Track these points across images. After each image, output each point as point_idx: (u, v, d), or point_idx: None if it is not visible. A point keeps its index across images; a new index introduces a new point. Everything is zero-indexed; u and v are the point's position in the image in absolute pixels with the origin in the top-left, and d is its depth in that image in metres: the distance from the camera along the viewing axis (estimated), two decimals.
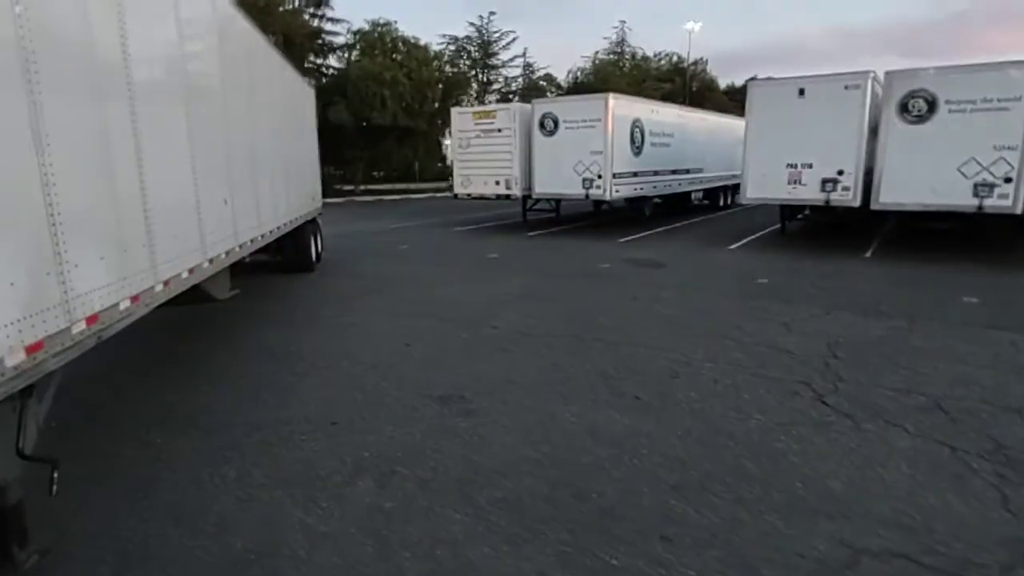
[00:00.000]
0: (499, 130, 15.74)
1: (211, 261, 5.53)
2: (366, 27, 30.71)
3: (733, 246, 13.38)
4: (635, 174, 15.60)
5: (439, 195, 32.43)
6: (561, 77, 43.85)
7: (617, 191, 14.73)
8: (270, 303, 8.64)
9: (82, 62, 3.54)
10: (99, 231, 3.52)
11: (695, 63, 54.24)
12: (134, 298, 3.78)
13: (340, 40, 33.32)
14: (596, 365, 5.70)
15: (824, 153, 11.44)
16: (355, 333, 6.94)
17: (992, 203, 10.11)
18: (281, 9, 28.25)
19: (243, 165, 7.18)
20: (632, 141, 15.30)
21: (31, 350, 2.69)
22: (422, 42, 33.00)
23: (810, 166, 11.61)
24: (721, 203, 22.50)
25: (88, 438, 4.32)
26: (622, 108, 14.74)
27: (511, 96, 39.13)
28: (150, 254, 4.10)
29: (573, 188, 14.84)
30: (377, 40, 29.81)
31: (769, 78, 12.08)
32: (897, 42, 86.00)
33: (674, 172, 17.77)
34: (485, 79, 40.86)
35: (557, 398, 4.92)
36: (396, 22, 31.42)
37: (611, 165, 14.37)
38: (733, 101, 40.78)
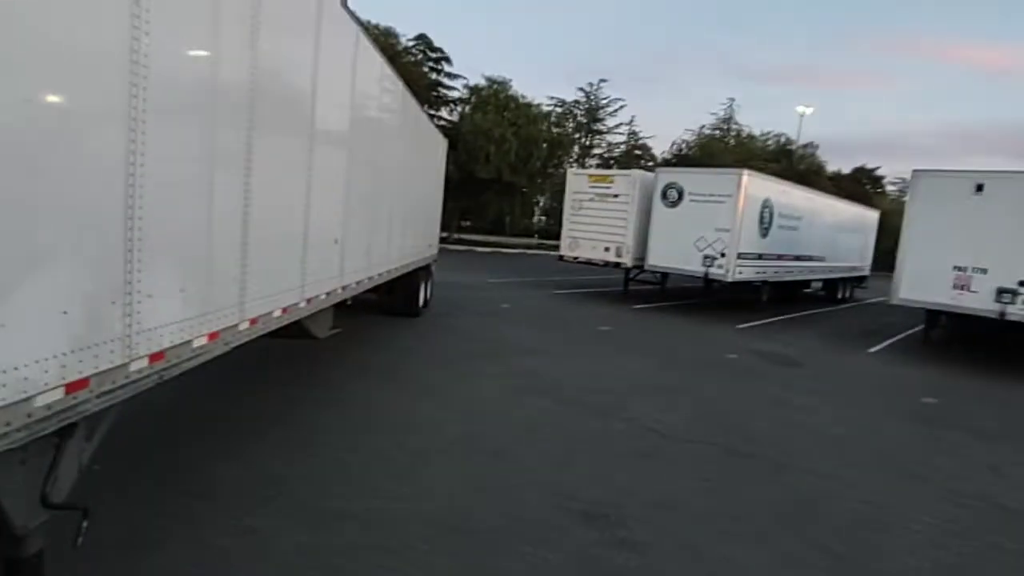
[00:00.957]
0: (616, 195, 15.09)
1: (309, 301, 5.12)
2: (483, 83, 31.56)
3: (872, 349, 11.87)
4: (759, 256, 14.42)
5: (529, 252, 32.16)
6: (663, 147, 43.42)
7: (740, 272, 13.58)
8: (373, 352, 8.10)
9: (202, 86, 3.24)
10: (185, 260, 3.18)
11: (805, 146, 52.66)
12: (212, 335, 3.41)
13: (455, 94, 34.45)
14: (765, 495, 4.63)
15: (1003, 259, 9.93)
16: (471, 407, 6.18)
17: None
18: (403, 60, 29.51)
19: (361, 206, 6.81)
20: (760, 221, 14.20)
21: (73, 388, 2.32)
22: (533, 102, 33.56)
23: (984, 271, 10.10)
24: (839, 295, 20.68)
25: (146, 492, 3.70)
26: (755, 186, 13.74)
27: (612, 162, 38.83)
28: (240, 289, 3.74)
29: (691, 264, 13.83)
30: (492, 96, 30.47)
31: (938, 169, 10.78)
32: (996, 142, 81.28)
33: (797, 258, 16.40)
34: (588, 143, 40.94)
35: (733, 541, 3.89)
36: (511, 80, 32.15)
37: (737, 245, 13.30)
38: (838, 188, 38.59)
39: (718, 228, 13.40)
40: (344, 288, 6.35)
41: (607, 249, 15.35)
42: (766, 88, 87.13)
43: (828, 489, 4.85)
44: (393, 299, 10.70)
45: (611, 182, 15.27)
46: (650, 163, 40.17)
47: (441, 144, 12.80)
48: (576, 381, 7.50)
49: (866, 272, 22.70)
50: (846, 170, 55.72)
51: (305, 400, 5.87)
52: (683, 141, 44.57)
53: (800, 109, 48.62)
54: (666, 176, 14.38)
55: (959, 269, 10.33)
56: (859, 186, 49.56)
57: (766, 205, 14.32)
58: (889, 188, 58.31)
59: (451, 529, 3.70)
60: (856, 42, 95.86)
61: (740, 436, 5.93)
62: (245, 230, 3.74)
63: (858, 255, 21.47)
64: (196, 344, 3.27)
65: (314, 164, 4.96)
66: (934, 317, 12.30)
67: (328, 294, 5.78)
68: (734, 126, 47.53)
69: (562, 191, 37.82)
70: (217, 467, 4.27)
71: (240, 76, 3.63)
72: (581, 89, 40.63)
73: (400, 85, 9.00)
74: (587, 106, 40.61)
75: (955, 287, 10.37)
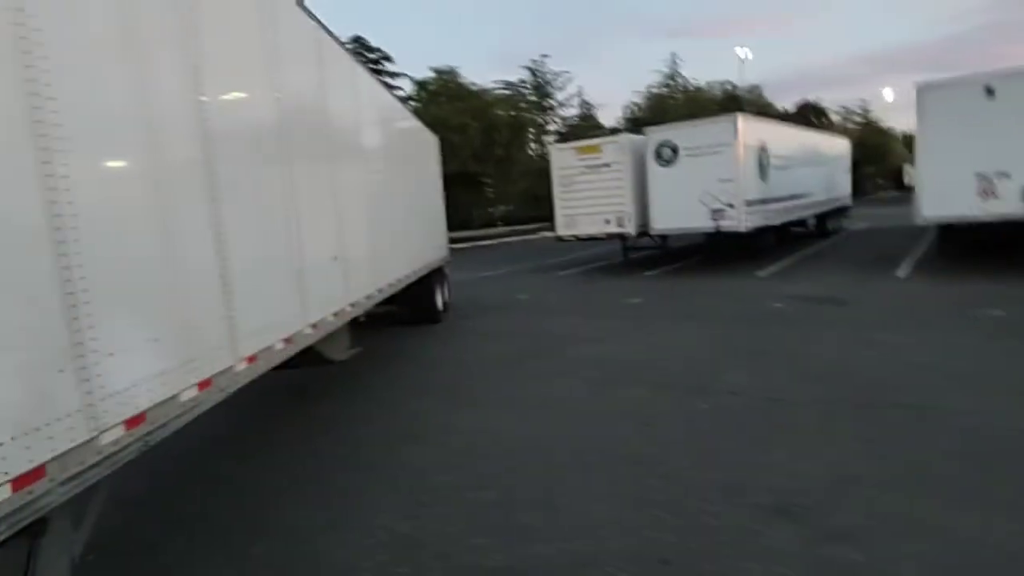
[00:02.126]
0: (607, 164, 14.59)
1: (315, 326, 4.76)
2: (430, 76, 30.54)
3: (900, 274, 11.67)
4: (763, 201, 14.13)
5: (508, 240, 31.56)
6: (614, 115, 43.10)
7: (749, 220, 13.25)
8: (415, 367, 7.46)
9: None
10: (152, 305, 2.77)
11: (750, 89, 53.09)
12: (203, 383, 3.03)
13: (401, 93, 33.31)
14: (942, 447, 4.18)
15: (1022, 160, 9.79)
16: (561, 412, 5.59)
17: None
18: None
19: (358, 216, 6.37)
20: (759, 166, 13.89)
21: (23, 482, 1.96)
22: (484, 87, 32.69)
23: (1007, 176, 9.95)
24: (829, 228, 20.67)
25: None
26: (750, 130, 13.39)
27: (569, 137, 38.29)
28: (229, 327, 3.36)
29: (699, 221, 13.45)
30: (442, 88, 29.53)
31: (944, 79, 10.57)
32: (913, 62, 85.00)
33: (793, 197, 16.21)
34: (542, 121, 40.30)
35: (970, 512, 3.39)
36: (459, 68, 31.23)
37: (744, 193, 12.95)
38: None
39: (721, 179, 13.03)
40: (353, 305, 5.94)
41: (607, 221, 14.87)
42: (692, 42, 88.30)
43: (991, 427, 4.45)
44: (410, 307, 10.19)
45: (600, 151, 14.76)
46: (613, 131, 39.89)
47: (432, 142, 12.12)
48: (647, 361, 7.00)
49: (848, 202, 22.81)
50: (790, 108, 56.59)
51: (375, 439, 5.20)
52: (633, 104, 44.37)
53: (740, 53, 49.01)
54: (657, 135, 13.91)
55: (982, 177, 10.16)
56: (807, 120, 50.24)
57: (762, 148, 14.01)
58: (834, 117, 59.53)
59: (655, 562, 3.13)
60: None
61: (855, 386, 5.52)
62: (223, 260, 3.34)
63: (840, 185, 21.53)
64: (185, 397, 2.88)
65: (297, 180, 4.52)
66: (946, 232, 12.21)
67: (336, 314, 5.36)
68: (679, 80, 47.46)
69: (529, 174, 37.46)
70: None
71: (183, 93, 3.18)
72: (526, 67, 39.78)
73: (379, 86, 8.40)
74: (534, 83, 39.86)
75: (980, 194, 10.20)
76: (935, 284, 10.31)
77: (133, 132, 2.79)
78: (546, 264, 18.64)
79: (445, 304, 11.39)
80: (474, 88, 31.65)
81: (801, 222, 18.07)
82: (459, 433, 5.17)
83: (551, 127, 41.76)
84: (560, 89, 39.88)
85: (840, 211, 21.66)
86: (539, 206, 42.04)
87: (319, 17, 5.54)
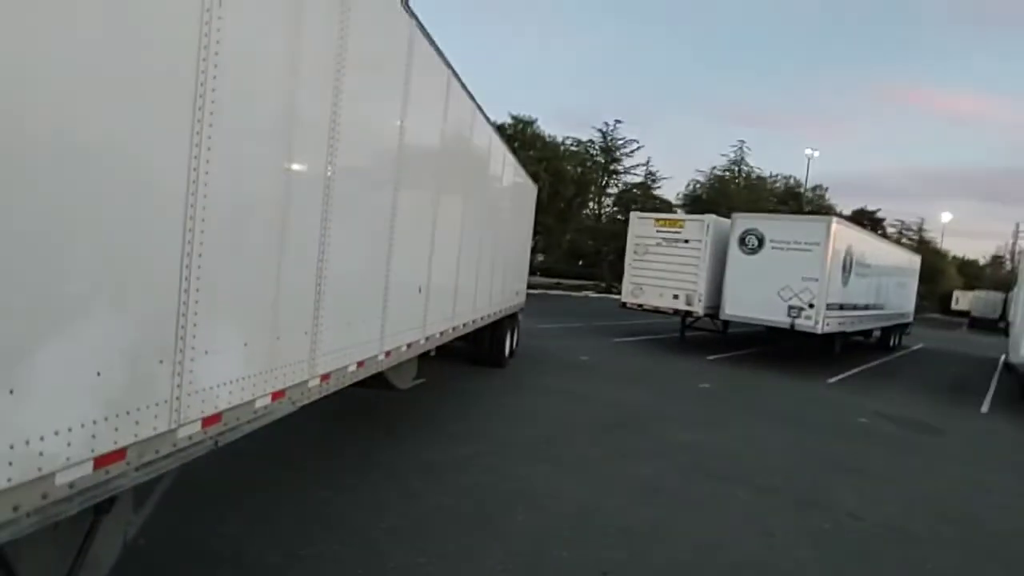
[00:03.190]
0: (686, 241, 14.50)
1: (388, 354, 4.75)
2: (509, 121, 31.22)
3: (983, 409, 11.17)
4: (841, 307, 13.82)
5: (551, 293, 31.45)
6: (674, 189, 43.41)
7: (827, 323, 12.92)
8: (477, 415, 7.20)
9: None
10: (250, 310, 2.85)
11: (814, 188, 53.19)
12: (277, 394, 3.07)
13: None
14: None
15: None
16: (651, 497, 5.30)
17: None
18: None
19: (448, 252, 6.34)
20: (844, 270, 13.65)
21: (105, 462, 2.00)
22: (557, 140, 33.27)
23: None
24: (891, 343, 20.13)
25: None
26: (841, 234, 13.22)
27: (634, 204, 38.53)
28: (311, 343, 3.40)
29: (775, 314, 13.16)
30: (518, 134, 30.12)
31: None
32: (967, 185, 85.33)
33: (867, 307, 15.85)
34: (604, 182, 40.76)
35: None
36: (537, 119, 31.88)
37: (827, 295, 12.68)
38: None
39: (805, 277, 12.79)
40: (427, 339, 5.88)
41: (676, 296, 14.68)
42: (751, 131, 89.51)
43: None
44: (479, 347, 10.15)
45: (681, 226, 14.71)
46: (677, 207, 40.22)
47: (532, 190, 12.20)
48: (733, 457, 6.68)
49: (911, 319, 22.27)
50: (846, 212, 56.39)
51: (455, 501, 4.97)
52: (696, 182, 44.67)
53: (808, 151, 49.29)
54: (744, 222, 13.81)
55: None
56: (861, 227, 49.84)
57: (848, 253, 13.79)
58: (889, 230, 58.91)
59: None
60: (841, 90, 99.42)
61: (988, 533, 5.14)
62: (319, 277, 3.41)
63: (907, 301, 21.06)
64: (259, 404, 2.92)
65: (398, 208, 4.54)
66: None
67: (409, 345, 5.31)
68: (744, 167, 47.78)
69: (585, 230, 37.58)
70: None
71: (322, 112, 3.30)
72: (597, 129, 40.63)
73: (490, 129, 8.49)
74: (603, 145, 40.54)
75: None
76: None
77: (268, 142, 2.90)
78: (599, 326, 18.42)
79: (512, 351, 11.27)
80: (549, 140, 32.23)
81: (867, 332, 17.61)
82: (541, 494, 4.92)
83: (611, 190, 42.25)
84: (629, 156, 40.43)
85: (903, 327, 21.12)
86: (579, 264, 42.18)
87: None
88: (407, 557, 3.79)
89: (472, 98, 7.00)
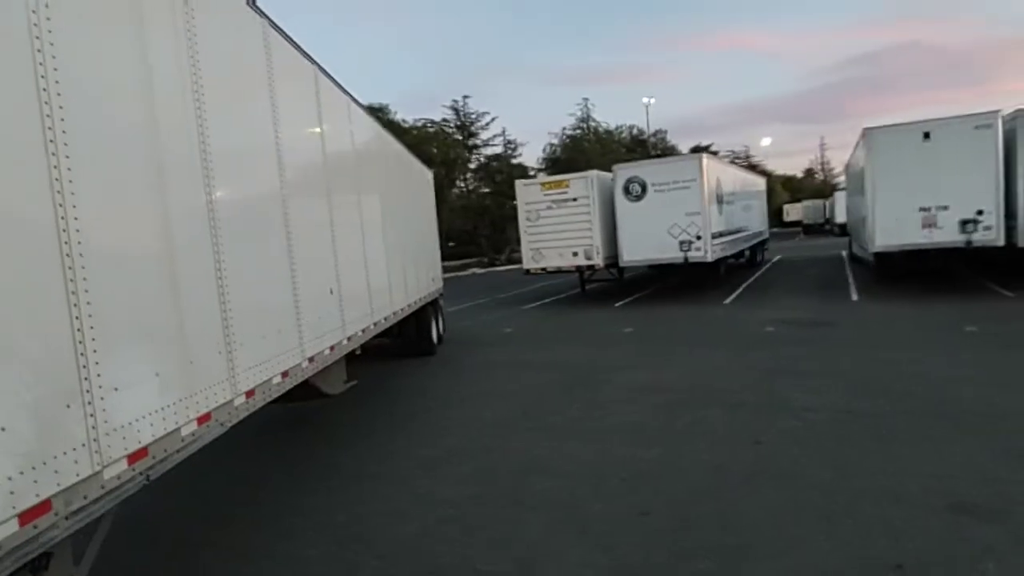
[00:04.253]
0: (574, 199, 15.01)
1: (312, 360, 4.84)
2: None
3: (854, 298, 12.83)
4: (722, 234, 15.10)
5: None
6: (535, 155, 44.53)
7: (714, 251, 14.08)
8: (446, 410, 7.17)
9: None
10: (154, 340, 2.85)
11: (656, 133, 56.92)
12: (203, 418, 3.11)
13: None
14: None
15: (960, 195, 11.20)
16: (646, 436, 5.61)
17: None
18: None
19: (353, 250, 6.44)
20: (718, 201, 14.88)
21: (30, 516, 1.99)
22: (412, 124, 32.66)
23: (946, 208, 11.33)
24: (757, 259, 22.35)
25: None
26: (710, 169, 14.35)
27: (498, 175, 39.07)
28: (228, 362, 3.44)
29: (669, 252, 14.10)
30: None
31: (887, 125, 11.95)
32: (777, 112, 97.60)
33: (739, 231, 17.44)
34: (467, 159, 40.84)
35: None
36: (389, 105, 31.04)
37: (710, 226, 13.78)
38: None
39: (688, 213, 13.81)
40: (349, 339, 6.01)
41: (575, 254, 15.22)
42: (594, 88, 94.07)
43: None
44: (406, 339, 10.18)
45: (567, 186, 15.17)
46: (538, 171, 41.18)
47: (427, 174, 11.98)
48: (698, 385, 7.19)
49: (767, 235, 24.83)
50: (684, 149, 60.95)
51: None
52: (551, 145, 46.01)
53: (644, 100, 52.48)
54: (625, 171, 14.55)
55: (924, 210, 11.49)
56: None
57: (718, 184, 15.04)
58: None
59: None
60: (662, 41, 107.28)
61: (918, 398, 5.98)
62: (222, 296, 3.43)
63: (763, 220, 23.43)
64: (185, 432, 2.94)
65: (290, 214, 4.61)
66: (884, 259, 13.58)
67: (332, 348, 5.41)
68: (592, 123, 49.88)
69: (457, 210, 37.52)
70: None
71: (188, 131, 3.31)
72: (449, 107, 40.44)
73: (371, 120, 8.45)
74: (457, 123, 40.47)
75: (924, 226, 11.52)
76: (891, 306, 11.40)
77: (143, 174, 2.92)
78: (502, 298, 18.67)
79: (440, 336, 11.20)
80: (405, 125, 31.57)
81: (740, 253, 19.41)
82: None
83: (472, 165, 42.42)
84: (484, 128, 40.70)
85: (763, 243, 23.50)
86: (460, 243, 42.33)
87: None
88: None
89: (345, 92, 6.94)
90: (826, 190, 64.62)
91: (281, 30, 4.85)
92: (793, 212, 59.82)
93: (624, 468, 4.85)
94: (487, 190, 40.69)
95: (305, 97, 5.53)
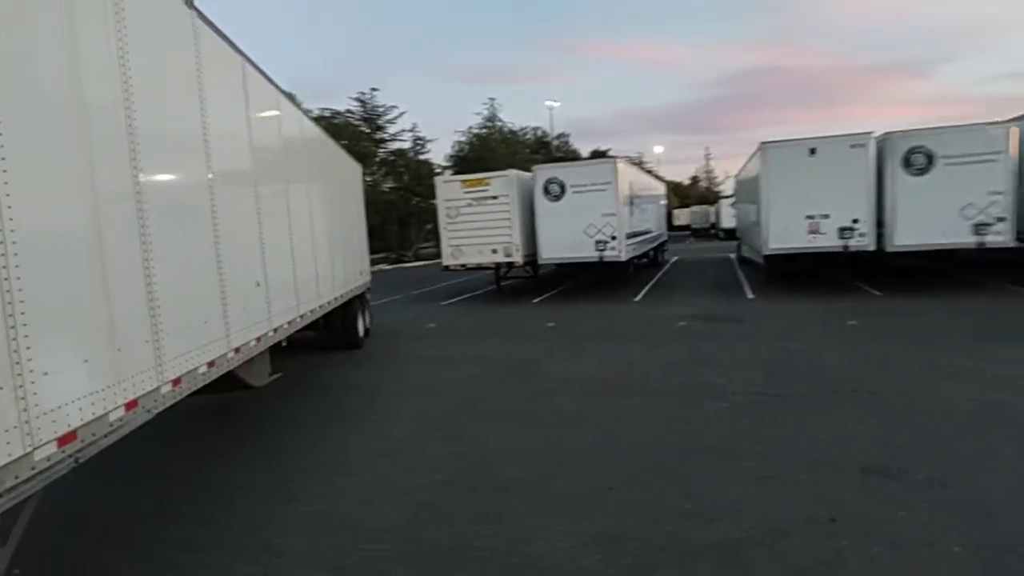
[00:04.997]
0: (495, 197, 15.30)
1: (238, 350, 4.95)
2: None
3: (750, 295, 14.08)
4: (634, 235, 15.97)
5: None
6: (444, 151, 44.40)
7: (627, 251, 14.90)
8: (384, 403, 7.24)
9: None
10: (83, 328, 2.95)
11: (559, 136, 58.47)
12: (130, 404, 3.23)
13: None
14: (893, 409, 5.48)
15: (839, 205, 12.64)
16: (581, 423, 6.01)
17: (991, 239, 11.83)
18: None
19: (280, 242, 6.58)
20: (629, 203, 15.73)
21: None
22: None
23: (827, 217, 12.74)
24: (658, 260, 23.76)
25: None
26: (624, 172, 15.15)
27: (404, 169, 38.67)
28: (155, 350, 3.56)
29: (586, 251, 14.74)
30: None
31: (781, 140, 13.22)
32: (665, 121, 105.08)
33: (646, 232, 18.50)
34: (374, 153, 39.98)
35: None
36: (295, 95, 29.67)
37: (625, 226, 14.56)
38: None
39: (604, 214, 14.52)
40: (275, 330, 6.17)
41: (495, 251, 15.51)
42: (499, 88, 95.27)
43: (910, 394, 5.91)
44: (332, 333, 10.10)
45: (487, 184, 15.43)
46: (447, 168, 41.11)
47: (356, 169, 11.76)
48: (622, 376, 7.70)
49: (666, 236, 26.45)
50: (584, 153, 63.11)
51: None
52: (460, 143, 46.04)
53: (549, 103, 53.83)
54: (546, 172, 15.04)
55: (810, 218, 12.86)
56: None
57: (629, 187, 15.90)
58: None
59: None
60: (539, 43, 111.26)
61: (818, 379, 6.79)
62: (149, 286, 3.55)
63: (663, 222, 24.93)
64: (113, 417, 3.05)
65: (218, 205, 4.76)
66: (773, 261, 15.00)
67: (259, 339, 5.58)
68: (498, 123, 50.42)
69: (366, 204, 36.58)
70: None
71: (118, 121, 3.39)
72: (355, 99, 39.37)
73: (299, 113, 8.42)
74: (364, 115, 39.50)
75: (810, 232, 12.89)
76: (783, 303, 12.65)
77: (71, 163, 2.99)
78: (417, 294, 18.64)
79: (367, 330, 11.12)
80: (311, 116, 30.35)
81: (645, 254, 20.57)
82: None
83: (377, 159, 41.60)
84: (392, 122, 40.04)
85: (663, 245, 25.02)
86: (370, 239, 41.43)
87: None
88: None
89: (273, 83, 6.93)
90: (710, 197, 69.60)
91: (209, 21, 4.93)
92: (682, 217, 63.56)
93: (578, 451, 5.18)
94: (394, 185, 40.09)
95: (233, 87, 5.57)
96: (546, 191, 14.91)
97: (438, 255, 39.93)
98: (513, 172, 15.56)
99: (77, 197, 3.00)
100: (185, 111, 4.41)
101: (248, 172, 5.73)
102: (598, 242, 14.62)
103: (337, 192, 10.24)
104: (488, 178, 15.51)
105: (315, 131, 9.65)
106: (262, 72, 6.41)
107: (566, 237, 14.77)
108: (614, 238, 14.52)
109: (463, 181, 15.80)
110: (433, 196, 44.61)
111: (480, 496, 4.38)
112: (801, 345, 8.65)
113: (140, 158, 3.53)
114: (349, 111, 39.20)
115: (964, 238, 11.94)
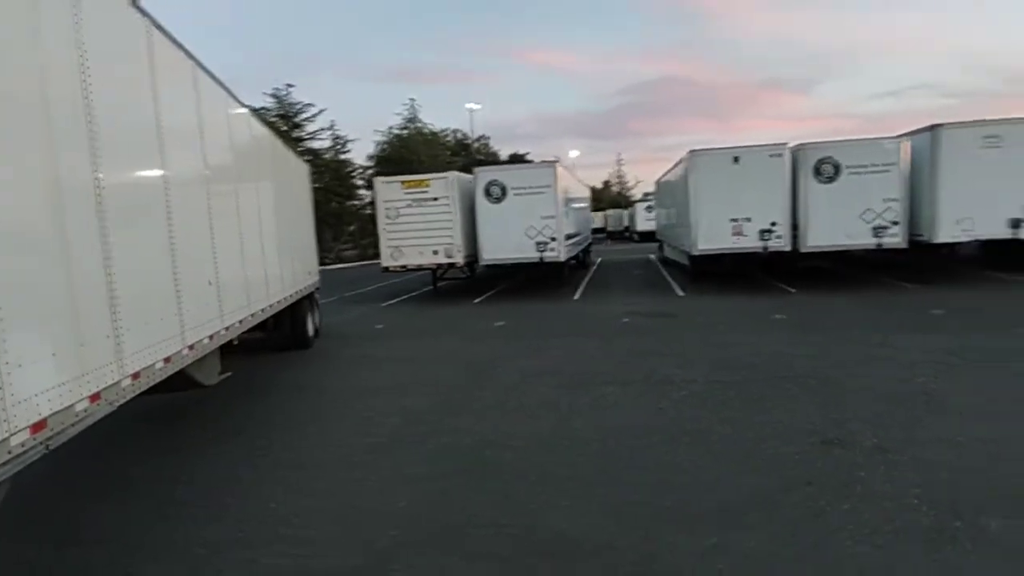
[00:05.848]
0: (435, 198, 15.41)
1: (192, 347, 5.14)
2: None
3: (679, 293, 15.01)
4: (570, 236, 16.56)
5: None
6: (365, 151, 43.57)
7: (566, 252, 15.46)
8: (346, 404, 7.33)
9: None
10: (49, 323, 3.13)
11: (479, 139, 58.79)
12: (94, 397, 3.41)
13: None
14: (810, 390, 6.23)
15: (759, 209, 13.78)
16: (562, 412, 6.38)
17: (887, 241, 13.32)
18: None
19: (231, 243, 6.79)
20: (566, 205, 16.30)
21: None
22: None
23: (749, 220, 13.85)
24: (587, 261, 24.63)
25: None
26: (562, 176, 15.69)
27: (323, 168, 37.66)
28: (116, 346, 3.74)
29: (527, 252, 15.16)
30: None
31: (708, 148, 14.22)
32: (577, 126, 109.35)
33: (578, 234, 19.19)
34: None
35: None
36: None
37: (564, 228, 15.10)
38: None
39: (544, 216, 15.00)
40: (227, 329, 6.38)
41: (436, 252, 15.62)
42: (418, 88, 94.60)
43: (826, 375, 6.72)
44: (281, 332, 10.05)
45: (428, 186, 15.51)
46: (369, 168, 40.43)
47: (304, 169, 11.55)
48: (580, 371, 8.12)
49: (591, 239, 27.43)
50: (503, 156, 63.92)
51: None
52: (382, 143, 45.36)
53: (469, 105, 54.01)
54: (486, 175, 15.33)
55: (734, 221, 13.93)
56: None
57: (565, 191, 16.48)
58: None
59: None
60: (458, 45, 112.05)
61: (754, 367, 7.50)
62: (110, 286, 3.71)
63: (589, 225, 25.84)
64: (79, 408, 3.24)
65: (172, 207, 5.01)
66: (699, 261, 16.06)
67: (211, 337, 5.82)
68: (418, 124, 50.07)
69: None
70: None
71: (77, 122, 3.54)
72: (271, 95, 37.91)
73: (247, 114, 8.47)
74: (280, 112, 38.10)
75: (733, 234, 13.96)
76: (712, 300, 13.60)
77: (36, 161, 3.19)
78: (352, 296, 18.38)
79: (316, 330, 10.98)
80: None
81: (576, 255, 21.32)
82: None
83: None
84: (311, 120, 38.91)
85: (590, 247, 25.96)
86: None
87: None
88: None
89: (222, 86, 7.01)
90: (622, 201, 72.45)
91: (162, 27, 5.08)
92: (597, 220, 65.61)
93: (563, 438, 5.52)
94: (314, 186, 38.95)
95: (184, 89, 5.65)
96: (487, 193, 15.21)
97: (360, 258, 39.17)
98: (453, 174, 15.74)
99: (43, 195, 3.15)
100: (141, 111, 4.57)
101: (200, 172, 5.89)
102: (539, 243, 15.09)
103: (285, 192, 10.14)
104: (429, 179, 15.60)
105: (264, 132, 9.60)
106: (211, 75, 6.53)
107: (507, 238, 15.13)
108: (554, 239, 15.03)
109: (403, 182, 15.79)
110: (354, 197, 43.80)
111: (486, 482, 4.61)
112: (738, 337, 9.44)
113: (100, 157, 3.67)
114: (264, 108, 37.74)
115: (866, 240, 13.39)
